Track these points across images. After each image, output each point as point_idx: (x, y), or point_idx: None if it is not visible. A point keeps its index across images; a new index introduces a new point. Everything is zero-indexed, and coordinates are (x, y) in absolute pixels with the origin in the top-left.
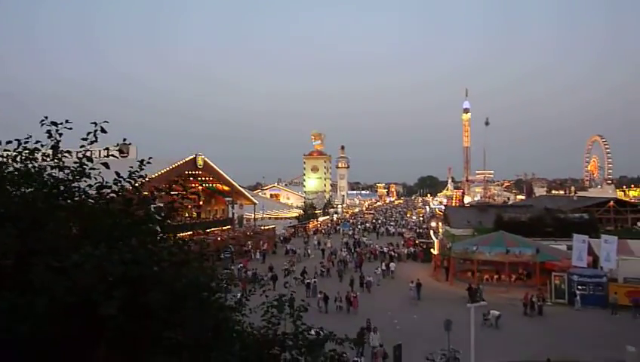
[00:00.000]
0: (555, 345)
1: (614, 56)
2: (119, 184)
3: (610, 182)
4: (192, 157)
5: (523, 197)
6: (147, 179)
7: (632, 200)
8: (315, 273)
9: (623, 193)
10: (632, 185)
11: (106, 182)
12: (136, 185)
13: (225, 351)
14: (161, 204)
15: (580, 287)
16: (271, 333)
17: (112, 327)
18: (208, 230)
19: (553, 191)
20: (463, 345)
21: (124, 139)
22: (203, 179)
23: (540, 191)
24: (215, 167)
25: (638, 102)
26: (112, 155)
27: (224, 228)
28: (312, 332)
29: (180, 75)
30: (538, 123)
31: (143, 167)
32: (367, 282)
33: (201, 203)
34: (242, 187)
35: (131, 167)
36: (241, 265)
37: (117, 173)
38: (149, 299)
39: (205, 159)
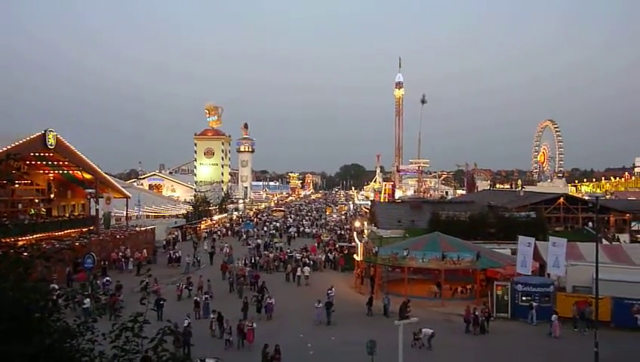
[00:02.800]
0: None
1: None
2: None
3: (561, 175)
4: (39, 133)
5: (463, 192)
6: None
7: (584, 197)
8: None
9: (574, 188)
10: (585, 180)
11: None
12: None
13: None
14: None
15: (524, 298)
16: None
17: None
18: (61, 232)
19: (497, 185)
20: None
21: None
22: (55, 163)
23: (482, 184)
24: (72, 147)
25: (590, 91)
26: None
27: (84, 229)
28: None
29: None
30: (485, 110)
31: None
32: (267, 305)
33: (52, 196)
34: (111, 175)
35: None
36: (101, 279)
37: None
38: None
39: (59, 137)
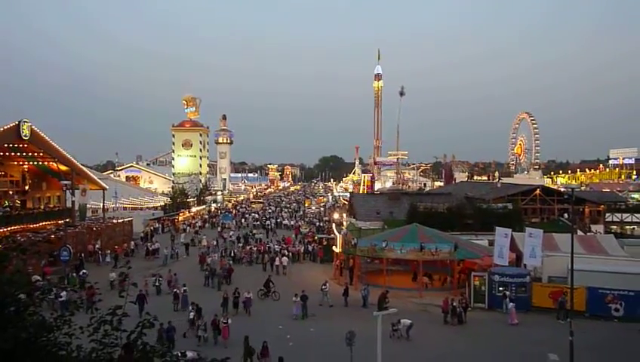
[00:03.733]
0: (473, 356)
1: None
2: None
3: (537, 167)
4: (13, 124)
5: (441, 183)
6: None
7: (560, 189)
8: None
9: (550, 180)
10: (560, 171)
11: None
12: None
13: None
14: None
15: (500, 289)
16: (105, 357)
17: None
18: (36, 224)
19: (475, 177)
20: (368, 361)
21: None
22: (30, 154)
23: (460, 176)
24: (47, 138)
25: (568, 87)
26: None
27: (60, 221)
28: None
29: None
30: (463, 104)
31: None
32: (245, 300)
33: (26, 187)
34: (87, 167)
35: None
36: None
37: None
38: None
39: (33, 128)
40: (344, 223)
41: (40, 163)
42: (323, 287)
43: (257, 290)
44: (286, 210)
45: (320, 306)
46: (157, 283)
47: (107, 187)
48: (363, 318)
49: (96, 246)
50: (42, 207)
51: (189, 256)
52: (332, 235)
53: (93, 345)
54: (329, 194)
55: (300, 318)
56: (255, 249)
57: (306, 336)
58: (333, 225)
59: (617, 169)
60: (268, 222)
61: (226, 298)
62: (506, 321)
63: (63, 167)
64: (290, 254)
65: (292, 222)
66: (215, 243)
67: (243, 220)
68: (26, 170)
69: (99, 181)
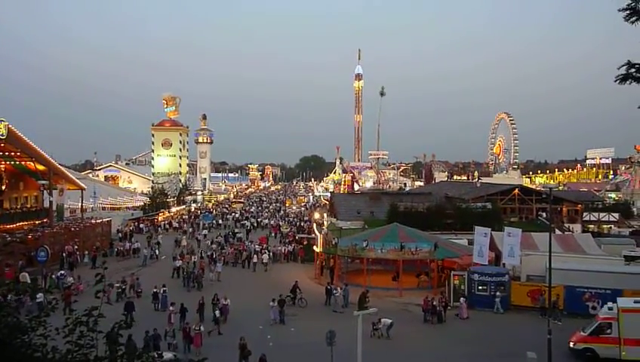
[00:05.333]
0: (452, 354)
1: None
2: None
3: (516, 167)
4: None
5: (422, 183)
6: None
7: (538, 188)
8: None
9: (529, 180)
10: (539, 171)
11: None
12: None
13: None
14: None
15: (480, 288)
16: (80, 358)
17: None
18: (13, 225)
19: (455, 177)
20: (349, 361)
21: None
22: (7, 154)
23: (440, 176)
24: (24, 137)
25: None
26: None
27: (37, 221)
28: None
29: None
30: (440, 99)
31: None
32: (221, 307)
33: (3, 187)
34: (65, 166)
35: None
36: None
37: None
38: None
39: (10, 127)
40: (325, 223)
41: (17, 162)
42: (334, 292)
43: (285, 296)
44: (267, 210)
45: (334, 312)
46: (121, 288)
47: (85, 187)
48: (343, 318)
49: (77, 245)
50: (19, 207)
51: (160, 253)
52: (313, 235)
53: (69, 346)
54: (310, 194)
55: (277, 323)
56: (235, 250)
57: (287, 336)
58: (314, 224)
59: (595, 169)
60: (247, 223)
61: (202, 304)
62: (495, 319)
63: (40, 167)
64: (272, 254)
65: (272, 222)
66: (186, 243)
67: (221, 221)
68: (3, 169)
69: (77, 181)
